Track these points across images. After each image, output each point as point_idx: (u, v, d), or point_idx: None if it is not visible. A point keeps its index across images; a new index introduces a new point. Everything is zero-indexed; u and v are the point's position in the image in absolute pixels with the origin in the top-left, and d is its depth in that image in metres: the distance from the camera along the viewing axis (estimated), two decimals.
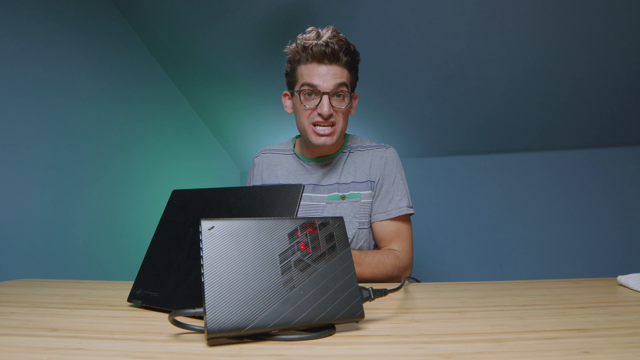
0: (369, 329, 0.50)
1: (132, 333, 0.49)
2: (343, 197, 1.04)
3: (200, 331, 0.48)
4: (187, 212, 0.67)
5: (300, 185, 0.62)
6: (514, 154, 2.49)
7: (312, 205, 1.04)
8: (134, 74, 2.02)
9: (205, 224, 0.46)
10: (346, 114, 1.01)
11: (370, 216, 1.06)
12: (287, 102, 1.06)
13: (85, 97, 1.71)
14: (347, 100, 0.99)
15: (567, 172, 2.42)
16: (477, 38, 1.74)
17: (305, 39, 0.97)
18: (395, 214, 1.01)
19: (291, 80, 1.03)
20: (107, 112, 1.82)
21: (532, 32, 1.69)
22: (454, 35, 1.75)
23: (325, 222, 0.52)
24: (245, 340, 0.45)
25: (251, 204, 0.62)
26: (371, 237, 1.09)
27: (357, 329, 0.50)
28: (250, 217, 0.60)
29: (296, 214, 0.59)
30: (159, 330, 0.50)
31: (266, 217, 0.52)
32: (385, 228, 1.02)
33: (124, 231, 1.87)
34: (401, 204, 1.03)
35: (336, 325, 0.49)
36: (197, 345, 0.44)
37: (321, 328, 0.47)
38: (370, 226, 1.06)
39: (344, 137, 1.13)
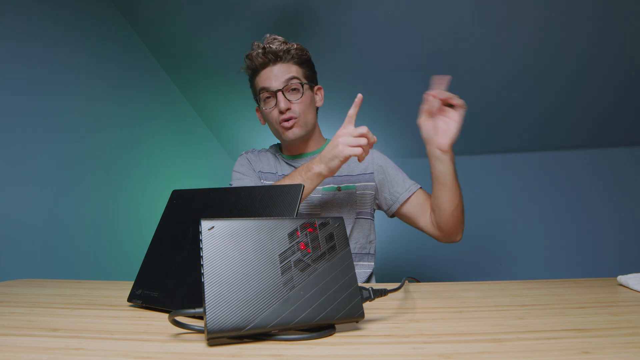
0: (369, 329, 0.50)
1: (132, 333, 0.49)
2: (339, 189, 1.09)
3: (200, 331, 0.48)
4: (187, 212, 0.67)
5: (300, 185, 0.62)
6: (514, 154, 2.49)
7: (308, 197, 1.06)
8: (135, 75, 2.02)
9: (205, 224, 0.46)
10: (307, 104, 1.06)
11: (370, 206, 1.11)
12: (259, 115, 1.15)
13: (86, 98, 1.71)
14: (301, 91, 1.04)
15: (567, 172, 2.42)
16: (477, 38, 1.75)
17: (249, 54, 1.06)
18: (414, 189, 1.09)
19: (254, 94, 1.12)
20: (107, 113, 1.82)
21: (531, 32, 1.69)
22: (453, 35, 1.75)
23: (325, 222, 0.52)
24: (245, 340, 0.45)
25: (251, 204, 0.62)
26: (372, 229, 1.13)
27: (357, 329, 0.50)
28: (250, 217, 0.60)
29: (296, 214, 0.59)
30: (159, 330, 0.50)
31: (266, 217, 0.52)
32: (416, 200, 1.08)
33: (124, 231, 1.87)
34: (410, 181, 1.11)
35: (336, 325, 0.49)
36: (197, 345, 0.44)
37: (321, 328, 0.47)
38: (395, 212, 1.11)
39: (325, 140, 1.18)
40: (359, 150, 0.84)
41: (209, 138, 2.67)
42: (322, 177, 0.89)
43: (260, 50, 1.03)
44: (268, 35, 1.06)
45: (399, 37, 1.80)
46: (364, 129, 0.86)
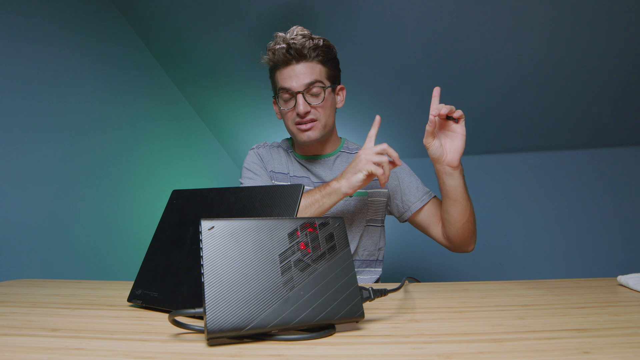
0: (369, 329, 0.50)
1: (132, 333, 0.49)
2: (350, 195, 1.05)
3: (200, 331, 0.48)
4: (187, 212, 0.67)
5: (300, 185, 0.62)
6: (514, 154, 2.49)
7: None
8: (135, 75, 2.02)
9: (205, 224, 0.46)
10: (327, 108, 1.02)
11: (382, 213, 1.09)
12: (276, 109, 1.09)
13: (86, 98, 1.71)
14: (323, 95, 0.99)
15: (567, 172, 2.42)
16: (477, 38, 1.75)
17: (271, 47, 1.00)
18: (427, 198, 1.06)
19: (273, 88, 1.06)
20: (107, 113, 1.82)
21: (531, 32, 1.69)
22: (452, 35, 1.75)
23: (325, 222, 0.52)
24: (245, 340, 0.45)
25: (251, 204, 0.62)
26: (382, 236, 1.11)
27: (357, 329, 0.50)
28: (250, 217, 0.60)
29: (296, 214, 0.59)
30: (159, 330, 0.50)
31: (266, 217, 0.52)
32: (429, 210, 1.05)
33: (124, 231, 1.87)
34: (425, 189, 1.08)
35: (336, 325, 0.49)
36: (197, 345, 0.44)
37: (321, 328, 0.47)
38: (407, 220, 1.09)
39: (340, 140, 1.15)
40: (380, 170, 0.85)
41: (209, 138, 2.67)
42: (341, 194, 0.88)
43: (283, 46, 0.96)
44: (294, 27, 0.98)
45: (399, 37, 1.80)
46: (384, 145, 0.86)
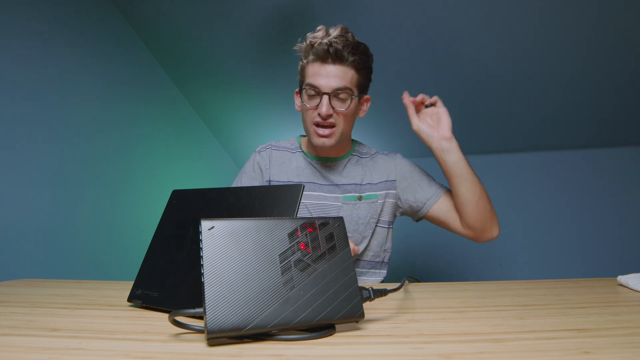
0: (369, 329, 0.50)
1: (132, 333, 0.49)
2: (360, 198, 1.04)
3: (200, 331, 0.48)
4: (187, 212, 0.67)
5: (300, 185, 0.62)
6: (514, 154, 2.49)
7: (328, 204, 1.04)
8: (134, 74, 2.02)
9: (205, 224, 0.46)
10: (349, 116, 1.00)
11: (391, 215, 1.08)
12: (297, 100, 1.06)
13: (85, 97, 1.71)
14: (349, 102, 0.97)
15: (567, 172, 2.42)
16: (476, 38, 1.75)
17: (311, 38, 0.97)
18: (441, 192, 1.04)
19: (300, 79, 1.03)
20: (107, 113, 1.82)
21: (532, 32, 1.69)
22: (452, 36, 1.75)
23: (325, 222, 0.52)
24: (245, 340, 0.45)
25: (251, 204, 0.62)
26: (389, 237, 1.09)
27: (357, 329, 0.50)
28: (250, 217, 0.60)
29: (296, 214, 0.59)
30: (159, 330, 0.50)
31: (266, 217, 0.52)
32: (444, 204, 1.04)
33: (124, 231, 1.86)
34: (437, 183, 1.07)
35: (336, 325, 0.49)
36: (197, 345, 0.44)
37: (321, 328, 0.47)
38: (423, 217, 1.08)
39: (352, 142, 1.13)
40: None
41: (209, 138, 2.67)
42: None
43: (325, 42, 0.93)
44: (339, 25, 0.96)
45: (400, 38, 1.80)
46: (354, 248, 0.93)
